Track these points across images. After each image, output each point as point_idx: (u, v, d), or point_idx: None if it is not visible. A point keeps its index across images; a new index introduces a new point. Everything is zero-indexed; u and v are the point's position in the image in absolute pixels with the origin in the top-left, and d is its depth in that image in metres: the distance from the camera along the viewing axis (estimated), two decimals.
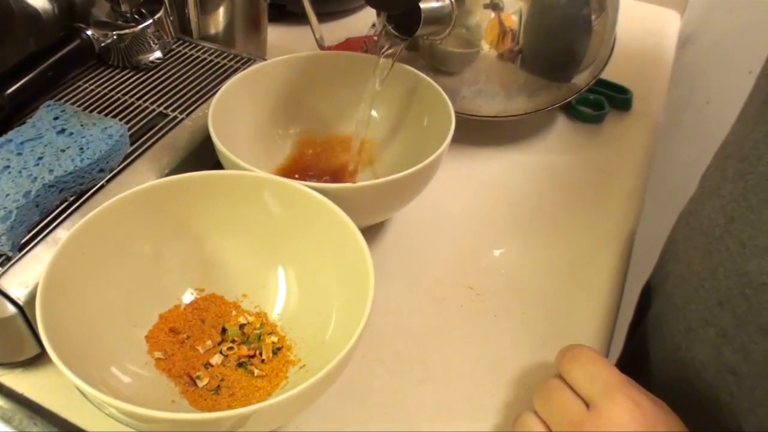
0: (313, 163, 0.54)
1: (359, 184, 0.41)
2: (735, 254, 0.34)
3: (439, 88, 0.50)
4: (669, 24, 0.82)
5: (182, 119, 0.49)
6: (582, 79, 0.57)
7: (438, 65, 0.54)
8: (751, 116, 0.37)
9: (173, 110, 0.50)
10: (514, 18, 0.51)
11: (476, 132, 0.61)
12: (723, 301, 0.35)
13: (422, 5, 0.48)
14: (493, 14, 0.51)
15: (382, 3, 0.48)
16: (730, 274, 0.35)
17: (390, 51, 0.49)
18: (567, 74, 0.56)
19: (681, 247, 0.42)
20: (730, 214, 0.36)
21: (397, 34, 0.49)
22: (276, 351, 0.39)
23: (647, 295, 0.48)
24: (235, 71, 0.54)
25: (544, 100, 0.56)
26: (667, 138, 0.87)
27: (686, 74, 0.86)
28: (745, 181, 0.35)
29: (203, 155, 0.48)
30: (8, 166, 0.41)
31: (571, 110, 0.65)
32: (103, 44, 0.52)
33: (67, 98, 0.50)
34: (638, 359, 0.46)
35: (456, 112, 0.47)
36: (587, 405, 0.34)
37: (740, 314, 0.34)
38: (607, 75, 0.67)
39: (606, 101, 0.65)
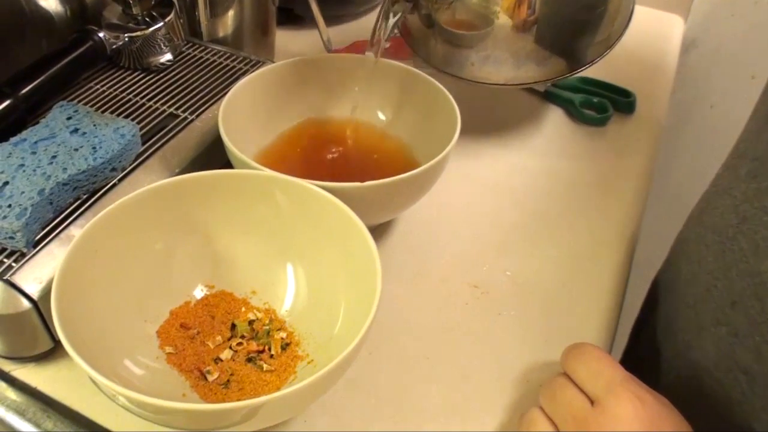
0: (322, 162, 0.54)
1: (367, 183, 0.41)
2: (748, 255, 0.34)
3: (445, 90, 0.50)
4: (673, 28, 0.83)
5: (192, 120, 0.50)
6: (595, 50, 0.56)
7: (449, 36, 0.53)
8: (763, 116, 0.37)
9: (183, 111, 0.51)
10: None
11: (481, 131, 0.61)
12: (736, 301, 0.35)
13: None
14: None
15: None
16: (744, 274, 0.35)
17: (396, 16, 0.48)
18: (581, 43, 0.55)
19: (693, 246, 0.42)
20: (743, 215, 0.35)
21: None
22: (284, 346, 0.40)
23: (655, 294, 0.48)
24: (243, 73, 0.55)
25: (556, 69, 0.55)
26: (672, 141, 0.87)
27: (690, 78, 0.86)
28: (758, 182, 0.35)
29: (212, 155, 0.48)
30: (23, 165, 0.41)
31: (575, 113, 0.65)
32: (114, 46, 0.53)
33: (79, 99, 0.51)
34: (647, 357, 0.46)
35: (465, 80, 0.45)
36: (592, 402, 0.34)
37: (753, 314, 0.34)
38: (611, 78, 0.68)
39: (610, 104, 0.65)
